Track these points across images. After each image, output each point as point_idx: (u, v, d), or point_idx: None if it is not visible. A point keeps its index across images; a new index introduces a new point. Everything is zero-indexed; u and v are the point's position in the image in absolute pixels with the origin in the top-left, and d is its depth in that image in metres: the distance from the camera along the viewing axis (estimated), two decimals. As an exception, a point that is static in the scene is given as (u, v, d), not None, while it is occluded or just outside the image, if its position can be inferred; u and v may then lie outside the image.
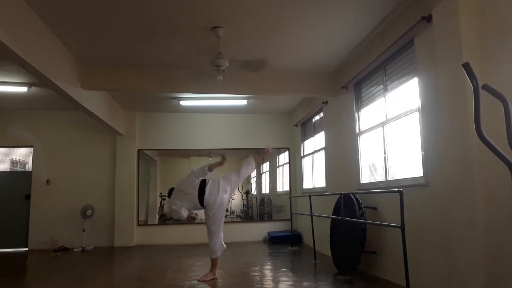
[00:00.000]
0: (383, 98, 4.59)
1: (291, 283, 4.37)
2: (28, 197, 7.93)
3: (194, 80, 5.77)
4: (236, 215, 10.47)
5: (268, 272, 5.16)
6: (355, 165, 5.24)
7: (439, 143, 3.36)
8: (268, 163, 10.10)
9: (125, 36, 4.58)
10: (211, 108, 8.26)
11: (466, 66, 1.80)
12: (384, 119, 4.53)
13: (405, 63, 4.11)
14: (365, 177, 5.16)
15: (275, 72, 5.89)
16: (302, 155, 8.20)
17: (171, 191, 4.71)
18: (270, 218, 9.11)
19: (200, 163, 11.03)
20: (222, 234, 4.62)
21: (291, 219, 7.75)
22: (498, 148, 1.75)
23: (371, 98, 4.94)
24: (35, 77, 4.40)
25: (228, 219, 10.11)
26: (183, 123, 8.57)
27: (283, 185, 9.28)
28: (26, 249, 7.70)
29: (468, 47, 2.92)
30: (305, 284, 4.29)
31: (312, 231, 6.01)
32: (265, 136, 8.76)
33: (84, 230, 7.57)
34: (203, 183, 4.60)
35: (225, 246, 4.65)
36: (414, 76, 3.90)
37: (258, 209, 10.08)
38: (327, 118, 6.52)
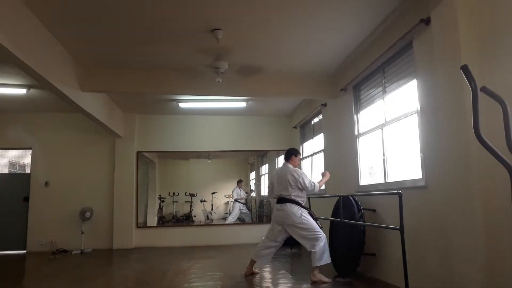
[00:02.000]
0: (382, 100, 4.59)
1: (290, 285, 4.36)
2: (26, 199, 7.90)
3: (193, 82, 5.78)
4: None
5: (267, 274, 5.15)
6: (354, 167, 5.25)
7: (438, 146, 3.36)
8: (267, 165, 10.11)
9: (124, 38, 4.58)
10: (210, 110, 8.26)
11: (465, 69, 1.81)
12: (383, 121, 4.54)
13: (404, 65, 4.12)
14: (364, 179, 5.16)
15: (274, 74, 5.89)
16: (301, 157, 8.19)
17: None
18: (269, 220, 9.06)
19: (199, 165, 11.10)
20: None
21: (290, 221, 7.73)
22: (497, 150, 1.76)
23: (370, 101, 4.95)
24: (34, 79, 4.40)
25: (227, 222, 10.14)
26: (182, 125, 8.56)
27: (282, 187, 9.27)
28: (25, 251, 7.67)
29: (466, 50, 2.93)
30: (304, 286, 4.28)
31: (311, 233, 5.99)
32: (264, 138, 8.78)
33: (82, 232, 7.54)
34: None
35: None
36: (413, 79, 3.91)
37: (257, 211, 10.08)
38: (326, 120, 6.52)
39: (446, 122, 3.15)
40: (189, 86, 5.84)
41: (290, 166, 4.70)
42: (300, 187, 4.54)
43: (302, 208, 4.51)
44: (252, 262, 4.76)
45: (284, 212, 4.51)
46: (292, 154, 4.81)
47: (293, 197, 4.53)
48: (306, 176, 4.62)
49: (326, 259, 4.33)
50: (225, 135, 8.66)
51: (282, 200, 4.58)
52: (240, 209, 10.24)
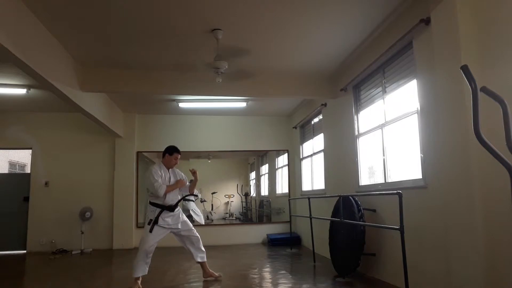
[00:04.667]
0: (382, 100, 4.59)
1: (290, 285, 4.36)
2: (26, 199, 7.90)
3: (193, 82, 5.78)
4: (235, 217, 10.48)
5: (267, 274, 5.15)
6: (354, 167, 5.24)
7: (438, 146, 3.36)
8: (267, 165, 10.10)
9: (124, 38, 4.58)
10: (210, 110, 8.26)
11: (465, 69, 1.80)
12: (383, 121, 4.54)
13: (404, 65, 4.12)
14: (364, 179, 5.16)
15: (274, 74, 5.89)
16: (301, 157, 8.20)
17: None
18: (269, 220, 9.10)
19: (199, 165, 11.10)
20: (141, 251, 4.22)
21: (290, 221, 7.74)
22: (497, 151, 1.75)
23: (370, 101, 4.95)
24: (34, 79, 4.40)
25: (228, 221, 10.14)
26: (182, 125, 8.56)
27: (282, 187, 9.28)
28: (25, 251, 7.67)
29: (466, 49, 2.93)
30: (304, 286, 4.28)
31: (311, 233, 6.00)
32: (264, 138, 8.78)
33: (82, 232, 7.55)
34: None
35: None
36: (413, 79, 3.91)
37: (257, 211, 10.07)
38: (326, 120, 6.52)
39: (446, 122, 3.15)
40: (189, 86, 5.84)
41: (160, 165, 4.47)
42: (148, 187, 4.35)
43: (154, 209, 4.29)
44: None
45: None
46: (165, 152, 4.58)
47: (150, 198, 4.38)
48: (153, 176, 4.27)
49: (138, 271, 4.16)
50: (225, 135, 8.66)
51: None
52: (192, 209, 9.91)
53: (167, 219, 4.34)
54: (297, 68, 5.76)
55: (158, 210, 4.30)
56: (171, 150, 4.58)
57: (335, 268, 4.85)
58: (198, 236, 4.61)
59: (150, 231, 4.21)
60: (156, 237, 4.27)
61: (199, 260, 4.58)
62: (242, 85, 5.91)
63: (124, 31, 4.39)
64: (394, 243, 3.91)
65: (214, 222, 10.21)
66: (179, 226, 4.46)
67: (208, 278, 4.62)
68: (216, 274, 4.66)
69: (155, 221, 4.25)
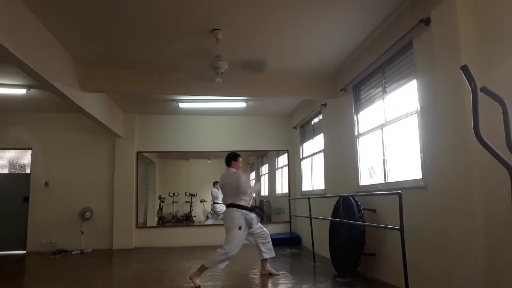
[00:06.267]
0: (382, 100, 4.59)
1: (290, 285, 4.36)
2: (26, 199, 7.91)
3: (193, 82, 5.78)
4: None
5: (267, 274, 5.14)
6: (354, 167, 5.24)
7: (438, 146, 3.36)
8: (267, 165, 10.10)
9: (124, 38, 4.58)
10: (210, 111, 8.26)
11: (465, 69, 1.80)
12: (383, 122, 4.54)
13: (404, 65, 4.12)
14: (364, 179, 5.16)
15: (274, 74, 5.90)
16: (301, 157, 8.20)
17: None
18: (269, 221, 9.09)
19: (199, 165, 11.13)
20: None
21: (290, 221, 7.74)
22: (497, 151, 1.75)
23: (370, 101, 4.95)
24: (34, 79, 4.40)
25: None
26: (182, 125, 8.57)
27: (282, 187, 9.29)
28: (25, 251, 7.68)
29: (466, 50, 2.93)
30: (304, 286, 4.28)
31: (311, 234, 6.00)
32: (264, 138, 8.78)
33: (82, 233, 7.55)
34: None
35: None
36: (413, 79, 3.91)
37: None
38: (326, 120, 6.52)
39: (446, 123, 3.15)
40: (189, 86, 5.84)
41: (233, 170, 4.83)
42: (240, 189, 4.60)
43: (244, 213, 4.59)
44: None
45: (226, 215, 4.69)
46: (232, 160, 4.89)
47: (236, 202, 4.62)
48: (247, 177, 4.80)
49: (214, 267, 4.38)
50: (225, 135, 8.66)
51: (227, 204, 4.70)
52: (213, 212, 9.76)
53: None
54: (297, 68, 5.76)
55: (247, 212, 4.59)
56: (236, 156, 4.93)
57: (335, 268, 4.85)
58: (268, 233, 4.99)
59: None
60: (242, 241, 4.65)
61: (268, 256, 4.89)
62: (242, 85, 5.91)
63: (124, 31, 4.39)
64: (394, 243, 3.91)
65: (214, 222, 10.21)
66: (252, 227, 4.74)
67: (267, 275, 4.85)
68: (276, 272, 4.91)
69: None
